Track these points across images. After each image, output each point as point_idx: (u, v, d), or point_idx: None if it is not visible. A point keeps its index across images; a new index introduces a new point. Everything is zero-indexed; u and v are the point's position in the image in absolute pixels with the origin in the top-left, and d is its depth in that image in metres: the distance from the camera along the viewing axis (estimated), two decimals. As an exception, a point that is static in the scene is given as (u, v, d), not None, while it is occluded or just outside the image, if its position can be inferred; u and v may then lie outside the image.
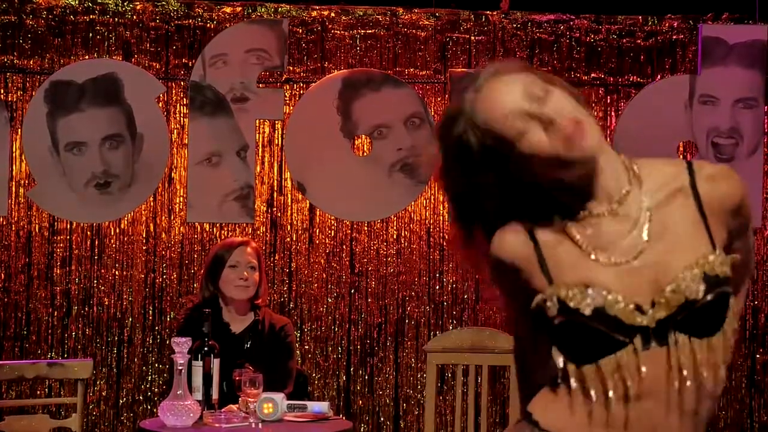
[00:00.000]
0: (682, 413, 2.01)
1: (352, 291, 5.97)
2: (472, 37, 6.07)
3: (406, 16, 6.06)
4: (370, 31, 6.04)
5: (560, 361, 2.02)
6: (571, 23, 6.10)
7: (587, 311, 1.98)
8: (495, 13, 6.09)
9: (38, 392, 5.75)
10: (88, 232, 5.87)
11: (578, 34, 6.08)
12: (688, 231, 2.03)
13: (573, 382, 2.01)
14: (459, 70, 5.97)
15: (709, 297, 1.97)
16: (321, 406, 4.32)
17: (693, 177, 2.05)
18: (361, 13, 6.05)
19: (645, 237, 2.03)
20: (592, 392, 2.00)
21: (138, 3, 5.92)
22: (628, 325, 1.98)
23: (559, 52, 6.08)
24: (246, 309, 4.75)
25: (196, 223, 5.92)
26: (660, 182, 2.06)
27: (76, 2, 5.88)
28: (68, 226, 5.85)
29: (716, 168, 2.07)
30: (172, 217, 5.93)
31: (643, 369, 1.97)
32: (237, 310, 4.73)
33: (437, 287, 5.99)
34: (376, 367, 5.95)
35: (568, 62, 6.09)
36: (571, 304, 2.00)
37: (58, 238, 5.86)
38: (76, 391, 4.59)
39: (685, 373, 1.98)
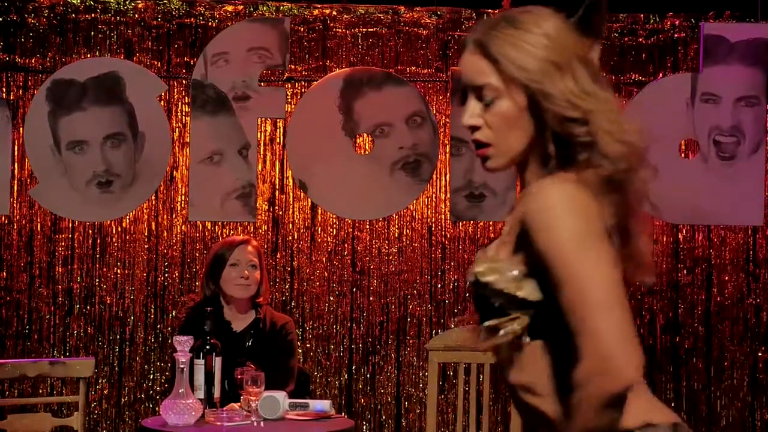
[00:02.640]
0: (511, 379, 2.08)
1: (354, 289, 5.97)
2: (474, 36, 6.06)
3: (408, 15, 6.06)
4: (371, 30, 6.04)
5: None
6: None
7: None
8: (497, 11, 6.08)
9: (40, 391, 5.75)
10: (90, 231, 5.88)
11: (580, 33, 6.07)
12: (506, 232, 2.06)
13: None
14: (460, 68, 5.96)
15: (468, 293, 2.04)
16: (323, 405, 4.32)
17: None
18: (363, 12, 6.05)
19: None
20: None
21: (140, 1, 5.92)
22: None
23: (561, 50, 6.08)
24: (247, 307, 4.76)
25: (198, 222, 5.93)
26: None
27: (78, 1, 5.88)
28: (70, 225, 5.85)
29: (540, 186, 1.99)
30: (173, 216, 5.94)
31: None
32: (238, 309, 4.74)
33: (439, 285, 5.99)
34: (377, 365, 5.96)
35: (569, 60, 6.08)
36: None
37: (60, 236, 5.86)
38: (78, 390, 4.59)
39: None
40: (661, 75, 6.05)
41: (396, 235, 6.00)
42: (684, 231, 6.06)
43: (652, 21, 6.12)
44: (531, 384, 2.03)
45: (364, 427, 5.91)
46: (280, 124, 5.97)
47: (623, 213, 2.03)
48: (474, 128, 2.06)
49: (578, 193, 1.94)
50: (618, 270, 1.93)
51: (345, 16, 6.02)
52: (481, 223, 6.01)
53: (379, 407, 5.94)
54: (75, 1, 5.88)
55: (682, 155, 5.97)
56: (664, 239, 6.05)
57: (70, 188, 5.71)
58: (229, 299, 4.73)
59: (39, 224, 5.85)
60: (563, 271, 1.90)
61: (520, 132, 2.03)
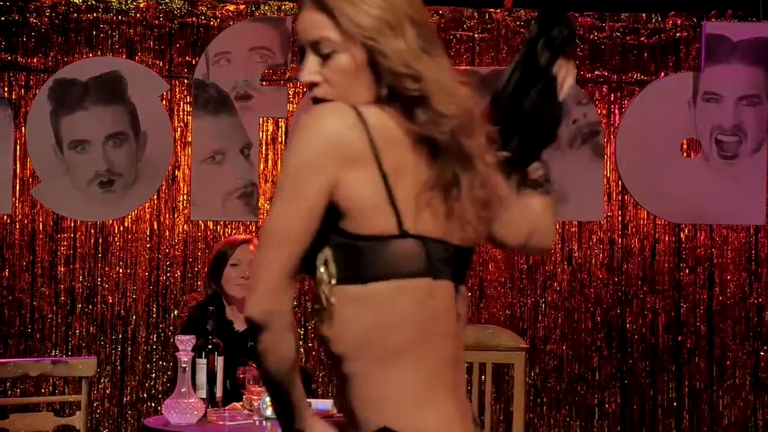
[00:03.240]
0: None
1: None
2: (476, 35, 6.07)
3: (410, 14, 6.06)
4: (373, 29, 6.03)
5: None
6: (575, 21, 6.10)
7: None
8: (498, 10, 6.08)
9: (43, 390, 5.75)
10: (92, 230, 5.88)
11: (582, 32, 6.08)
12: None
13: None
14: (462, 67, 5.97)
15: None
16: (324, 404, 4.32)
17: None
18: (365, 11, 6.04)
19: None
20: None
21: (141, 1, 5.92)
22: None
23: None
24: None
25: (200, 221, 5.93)
26: None
27: (80, 0, 5.88)
28: (72, 224, 5.86)
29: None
30: (175, 215, 5.94)
31: None
32: (239, 308, 4.74)
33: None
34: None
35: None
36: None
37: (62, 236, 5.86)
38: (80, 389, 4.59)
39: None
40: (662, 74, 6.04)
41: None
42: (686, 230, 6.06)
43: (653, 20, 6.12)
44: None
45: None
46: (282, 123, 5.97)
47: (457, 172, 2.00)
48: (312, 85, 2.04)
49: (335, 115, 1.95)
50: (308, 208, 1.94)
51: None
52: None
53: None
54: (77, 1, 5.88)
55: (684, 154, 5.97)
56: (666, 238, 6.04)
57: (72, 187, 5.72)
58: (230, 299, 4.73)
59: (41, 223, 5.86)
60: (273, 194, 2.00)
61: (360, 87, 2.01)
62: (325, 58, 2.01)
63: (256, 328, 2.00)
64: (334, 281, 1.97)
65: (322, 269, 1.98)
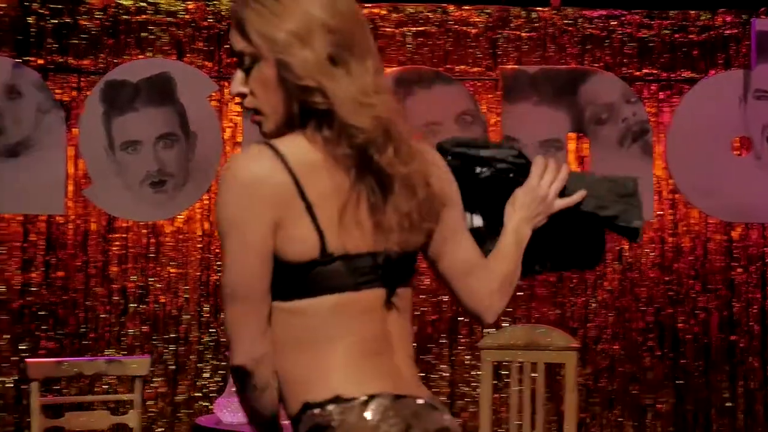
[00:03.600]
0: None
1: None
2: (523, 34, 6.05)
3: (457, 13, 6.06)
4: (420, 29, 6.04)
5: None
6: (623, 19, 6.07)
7: None
8: (546, 9, 6.07)
9: (97, 389, 5.79)
10: (144, 230, 5.92)
11: (630, 30, 6.05)
12: None
13: None
14: (510, 66, 5.96)
15: None
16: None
17: None
18: (412, 11, 6.05)
19: None
20: None
21: (190, 2, 5.96)
22: None
23: (611, 48, 6.06)
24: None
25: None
26: None
27: (130, 2, 5.92)
28: (125, 225, 5.90)
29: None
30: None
31: None
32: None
33: (491, 284, 5.96)
34: (430, 364, 5.95)
35: (620, 58, 6.06)
36: None
37: (115, 236, 5.90)
38: (134, 388, 4.62)
39: None
40: (712, 72, 6.01)
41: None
42: (738, 229, 6.02)
43: (702, 18, 6.08)
44: None
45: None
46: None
47: (375, 185, 2.05)
48: (242, 95, 2.11)
49: (253, 161, 2.00)
50: (259, 255, 2.00)
51: (394, 15, 6.03)
52: (535, 222, 5.98)
53: (432, 406, 5.93)
54: (127, 3, 5.92)
55: (735, 153, 5.93)
56: (718, 237, 6.01)
57: (124, 188, 5.76)
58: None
59: (94, 224, 5.90)
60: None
61: (278, 96, 2.06)
62: (247, 71, 2.08)
63: (247, 374, 2.06)
64: None
65: None
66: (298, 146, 2.03)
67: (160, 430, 5.89)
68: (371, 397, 2.02)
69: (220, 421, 4.12)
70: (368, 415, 2.01)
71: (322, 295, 2.04)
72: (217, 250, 5.94)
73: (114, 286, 5.89)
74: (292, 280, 2.03)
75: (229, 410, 4.09)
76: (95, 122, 5.74)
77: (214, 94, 5.88)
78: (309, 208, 2.00)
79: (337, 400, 2.01)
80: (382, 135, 2.02)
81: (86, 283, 5.88)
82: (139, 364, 4.65)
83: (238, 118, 5.91)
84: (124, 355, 5.75)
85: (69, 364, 4.65)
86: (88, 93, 5.79)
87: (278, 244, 2.00)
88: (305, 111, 2.04)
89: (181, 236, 5.94)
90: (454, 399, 5.94)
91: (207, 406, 5.77)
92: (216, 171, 5.84)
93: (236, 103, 2.05)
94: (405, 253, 2.11)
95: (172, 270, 5.91)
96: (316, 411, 2.01)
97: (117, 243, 5.90)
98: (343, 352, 2.04)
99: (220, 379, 5.79)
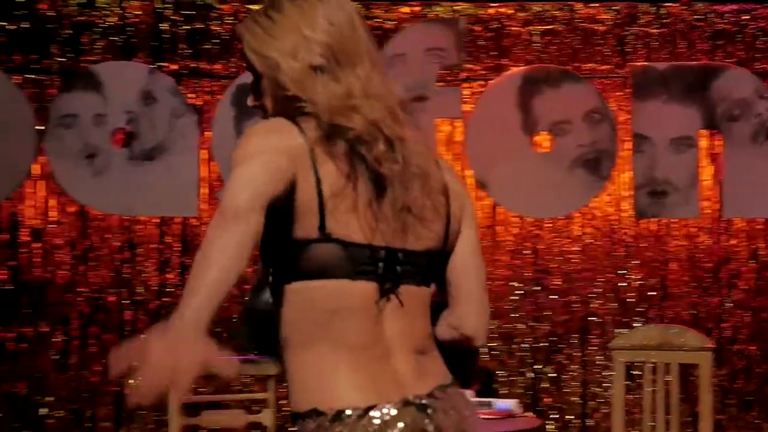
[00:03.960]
0: None
1: (537, 288, 5.94)
2: (652, 30, 5.98)
3: (584, 11, 6.02)
4: (547, 27, 6.01)
5: None
6: (755, 12, 5.97)
7: None
8: (675, 5, 5.99)
9: (233, 387, 5.87)
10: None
11: (763, 24, 5.94)
12: None
13: None
14: (639, 63, 5.90)
15: None
16: (508, 404, 4.33)
17: None
18: (539, 9, 6.03)
19: None
20: None
21: (319, 6, 6.01)
22: None
23: (744, 42, 5.95)
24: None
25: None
26: None
27: (259, 6, 6.00)
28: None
29: None
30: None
31: None
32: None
33: (622, 284, 5.92)
34: (561, 364, 5.92)
35: (752, 53, 5.95)
36: None
37: (248, 237, 5.99)
38: (267, 387, 4.69)
39: None
40: None
41: (578, 234, 5.95)
42: None
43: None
44: None
45: (551, 426, 5.88)
46: (457, 124, 5.99)
47: (374, 183, 2.10)
48: (255, 107, 2.23)
49: (275, 123, 2.08)
50: (272, 178, 1.96)
51: (520, 14, 6.01)
52: (664, 220, 5.92)
53: (564, 407, 5.91)
54: (256, 8, 6.01)
55: None
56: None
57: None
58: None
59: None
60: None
61: (279, 106, 2.17)
62: (253, 85, 2.22)
63: (230, 216, 1.91)
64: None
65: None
66: (316, 132, 2.09)
67: (293, 429, 5.96)
68: (373, 407, 2.07)
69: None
70: (371, 428, 2.06)
71: (321, 279, 2.08)
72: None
73: (247, 287, 5.96)
74: (294, 259, 2.08)
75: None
76: (227, 125, 5.83)
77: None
78: (318, 182, 2.05)
79: (341, 414, 2.06)
80: (371, 133, 2.10)
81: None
82: (271, 364, 4.72)
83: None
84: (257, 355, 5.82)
85: (205, 363, 4.73)
86: (220, 97, 5.89)
87: (283, 210, 2.02)
88: (303, 114, 2.13)
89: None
90: (586, 400, 5.90)
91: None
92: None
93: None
94: (414, 251, 2.16)
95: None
96: (325, 421, 2.07)
97: (250, 244, 5.98)
98: (348, 357, 2.09)
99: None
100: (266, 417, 4.76)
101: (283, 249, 2.09)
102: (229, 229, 1.88)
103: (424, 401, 2.13)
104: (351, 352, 2.09)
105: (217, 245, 1.87)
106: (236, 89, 5.86)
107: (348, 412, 2.06)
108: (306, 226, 2.06)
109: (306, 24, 2.16)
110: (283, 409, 5.92)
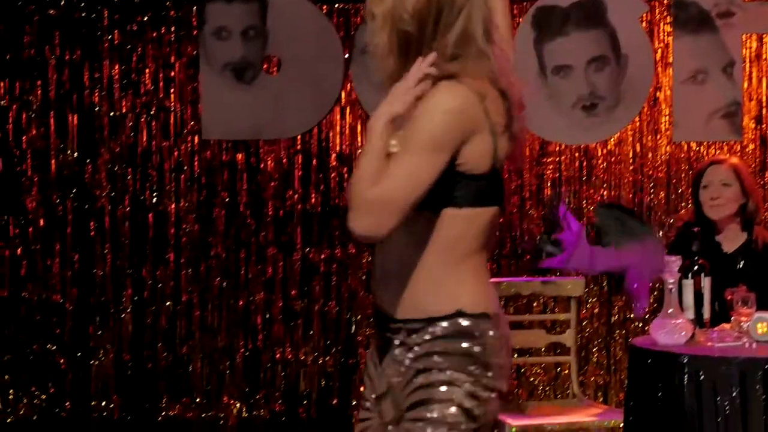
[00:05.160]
0: None
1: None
2: None
3: None
4: None
5: None
6: None
7: None
8: None
9: (534, 308, 5.95)
10: (576, 154, 6.00)
11: None
12: None
13: None
14: None
15: None
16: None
17: None
18: None
19: None
20: None
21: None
22: None
23: None
24: (736, 228, 4.67)
25: (683, 142, 5.89)
26: None
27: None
28: (557, 149, 6.00)
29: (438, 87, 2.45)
30: (658, 137, 5.93)
31: None
32: (722, 230, 4.66)
33: None
34: None
35: None
36: None
37: (548, 159, 6.02)
38: (569, 308, 4.73)
39: None
40: None
41: None
42: None
43: None
44: None
45: None
46: (766, 39, 5.77)
47: (507, 117, 2.43)
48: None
49: (461, 95, 2.35)
50: (434, 178, 2.33)
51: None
52: None
53: None
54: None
55: None
56: None
57: (556, 112, 5.85)
58: (712, 221, 4.67)
59: (527, 148, 6.03)
60: (404, 152, 2.34)
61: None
62: None
63: (367, 238, 2.37)
64: None
65: None
66: (484, 89, 2.39)
67: (595, 349, 5.99)
68: (495, 315, 2.42)
69: (655, 342, 4.13)
70: (496, 332, 2.40)
71: (488, 206, 2.41)
72: (650, 172, 5.92)
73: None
74: (469, 188, 2.38)
75: (664, 331, 4.09)
76: (527, 47, 5.85)
77: (644, 15, 5.83)
78: (492, 127, 2.37)
79: (485, 315, 2.38)
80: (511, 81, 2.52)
81: (521, 206, 6.03)
82: (574, 285, 4.77)
83: (669, 38, 5.83)
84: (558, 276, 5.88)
85: (507, 284, 4.84)
86: (520, 20, 5.91)
87: (461, 158, 2.36)
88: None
89: (612, 158, 5.97)
90: None
91: (642, 326, 5.80)
92: (648, 93, 5.80)
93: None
94: None
95: (604, 192, 5.96)
96: (468, 321, 2.37)
97: (550, 166, 6.01)
98: (485, 269, 2.44)
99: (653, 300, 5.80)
100: (568, 338, 4.81)
101: (457, 182, 2.39)
102: None
103: None
104: (485, 266, 2.47)
105: None
106: (536, 11, 5.86)
107: (490, 314, 2.41)
108: (482, 163, 2.40)
109: None
110: (585, 329, 5.96)
